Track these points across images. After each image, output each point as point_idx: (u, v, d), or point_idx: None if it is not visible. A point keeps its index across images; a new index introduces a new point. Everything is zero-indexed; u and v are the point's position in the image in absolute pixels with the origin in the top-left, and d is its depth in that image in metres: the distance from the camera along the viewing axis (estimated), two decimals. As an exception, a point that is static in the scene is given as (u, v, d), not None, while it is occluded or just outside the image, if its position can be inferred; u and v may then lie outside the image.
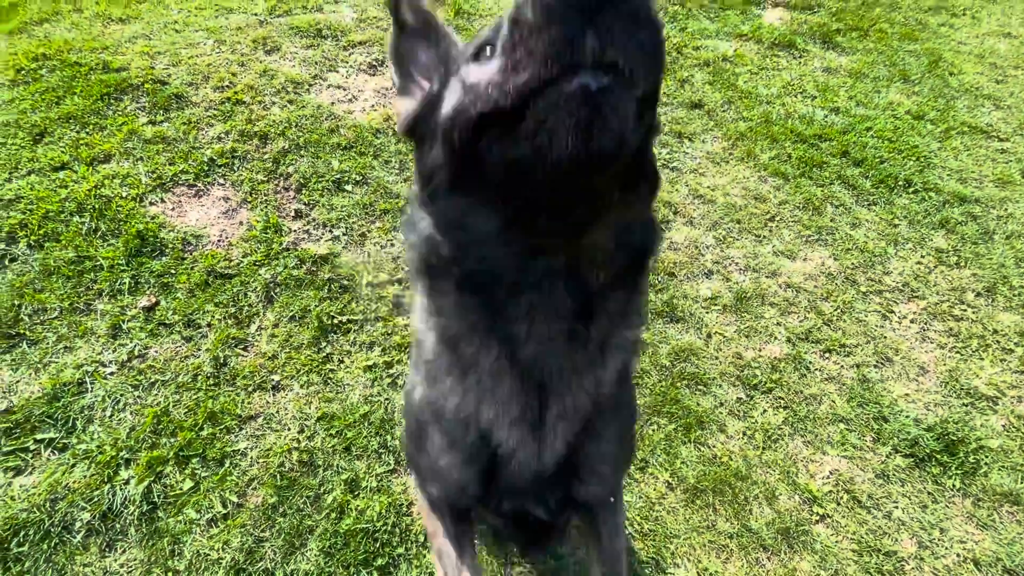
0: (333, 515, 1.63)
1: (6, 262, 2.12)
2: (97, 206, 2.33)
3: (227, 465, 1.70)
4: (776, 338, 2.31)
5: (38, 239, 2.19)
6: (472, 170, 0.63)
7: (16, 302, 1.99)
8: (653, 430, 1.93)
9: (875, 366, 2.24)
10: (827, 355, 2.27)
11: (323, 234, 2.46)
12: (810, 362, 2.22)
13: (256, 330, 2.07)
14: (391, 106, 3.16)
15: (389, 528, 1.62)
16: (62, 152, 2.52)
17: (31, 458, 1.67)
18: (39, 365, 1.87)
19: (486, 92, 0.55)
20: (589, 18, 0.47)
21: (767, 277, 2.57)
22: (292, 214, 2.51)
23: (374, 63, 3.45)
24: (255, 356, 1.99)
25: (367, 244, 2.45)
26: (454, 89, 0.68)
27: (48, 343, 1.92)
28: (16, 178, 2.39)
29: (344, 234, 2.47)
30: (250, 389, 1.89)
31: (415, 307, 0.87)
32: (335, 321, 2.13)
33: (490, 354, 0.77)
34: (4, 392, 1.78)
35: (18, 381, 1.82)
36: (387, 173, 2.76)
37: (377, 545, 1.59)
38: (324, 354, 2.03)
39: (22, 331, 1.94)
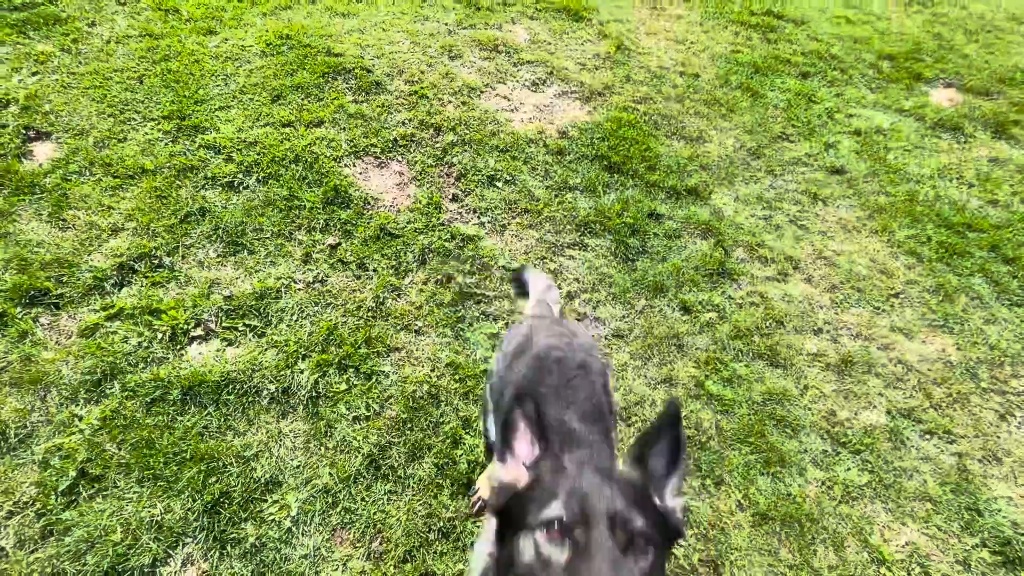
0: (448, 441, 1.97)
1: (240, 188, 2.74)
2: (308, 159, 2.91)
3: (373, 380, 2.11)
4: (875, 407, 2.33)
5: (265, 176, 2.79)
6: None
7: (244, 220, 2.58)
8: (735, 455, 2.07)
9: (980, 460, 2.19)
10: (928, 436, 2.25)
11: (472, 218, 2.86)
12: (908, 438, 2.23)
13: (409, 283, 2.49)
14: (544, 121, 3.54)
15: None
16: (289, 113, 3.17)
17: (240, 336, 2.18)
18: (253, 270, 2.41)
19: None
20: None
21: (879, 349, 2.58)
22: (450, 197, 2.95)
23: (537, 81, 3.87)
24: (406, 303, 2.41)
25: (506, 233, 2.81)
26: (528, 545, 0.93)
27: (260, 255, 2.47)
28: (256, 127, 3.05)
29: (489, 222, 2.85)
30: (398, 327, 2.30)
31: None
32: (471, 291, 2.50)
33: None
34: (228, 284, 2.34)
35: (238, 277, 2.37)
36: (533, 178, 3.12)
37: (476, 475, 1.89)
38: (459, 315, 2.40)
39: (245, 242, 2.51)
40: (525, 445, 1.12)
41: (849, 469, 2.09)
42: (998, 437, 2.28)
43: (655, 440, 1.07)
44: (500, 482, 1.11)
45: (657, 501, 1.03)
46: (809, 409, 2.28)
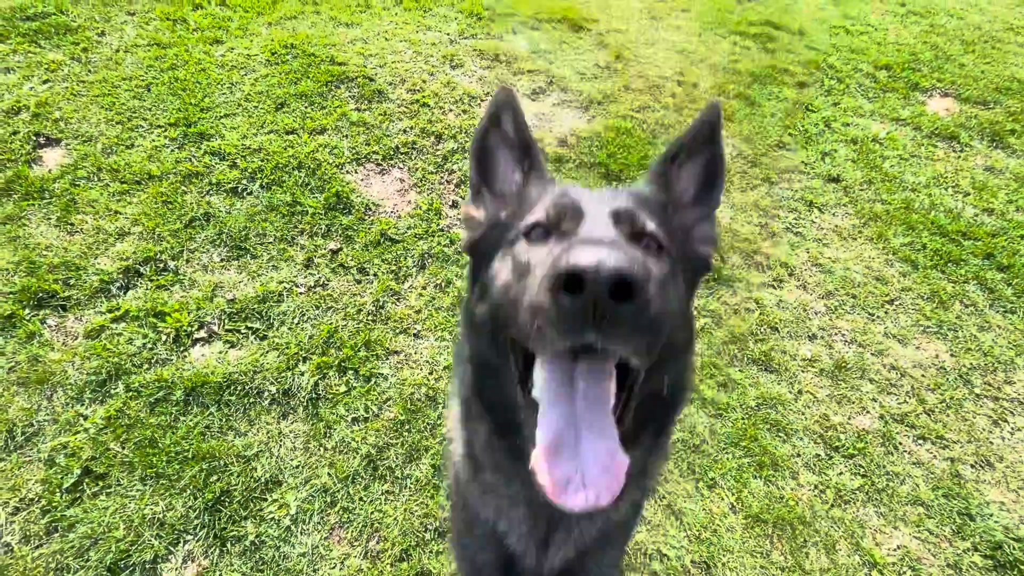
0: (445, 443, 2.00)
1: (244, 194, 2.79)
2: (311, 166, 2.97)
3: (372, 382, 2.15)
4: (868, 412, 2.36)
5: (268, 182, 2.85)
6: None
7: (247, 225, 2.63)
8: (728, 458, 2.10)
9: (972, 466, 2.21)
10: (921, 441, 2.27)
11: (471, 224, 2.91)
12: (900, 443, 2.25)
13: (408, 287, 2.53)
14: (544, 130, 3.60)
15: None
16: (293, 120, 3.23)
17: (242, 338, 2.22)
18: (255, 273, 2.46)
19: (521, 316, 0.63)
20: (594, 324, 0.54)
21: (872, 355, 2.60)
22: (450, 203, 3.00)
23: (537, 90, 3.93)
24: (405, 307, 2.45)
25: (505, 240, 2.86)
26: (505, 262, 0.75)
27: (263, 260, 2.52)
28: (260, 134, 3.11)
29: (488, 227, 2.90)
30: (397, 331, 2.34)
31: (452, 415, 1.01)
32: (453, 377, 2.54)
33: (509, 486, 0.87)
34: (232, 287, 2.39)
35: (241, 281, 2.42)
36: (532, 185, 3.17)
37: (473, 477, 1.93)
38: (456, 319, 2.43)
39: (248, 247, 2.56)
40: (508, 171, 0.93)
41: (842, 473, 2.12)
42: (991, 442, 2.30)
43: (686, 156, 0.85)
44: (473, 218, 0.93)
45: (677, 225, 0.83)
46: (802, 414, 2.31)
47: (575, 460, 0.61)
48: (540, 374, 0.67)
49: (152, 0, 3.93)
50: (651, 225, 0.72)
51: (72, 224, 2.48)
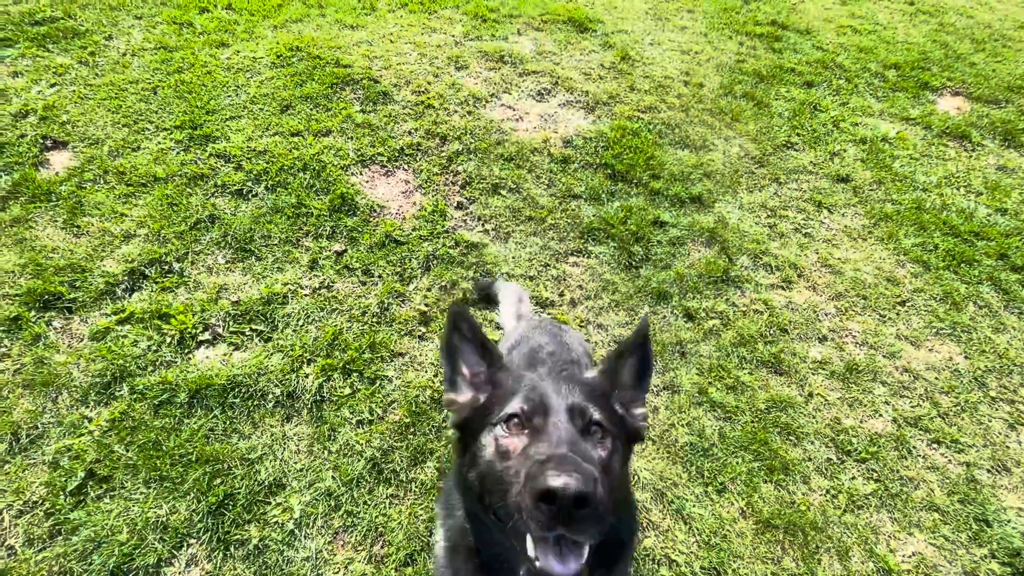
0: (450, 446, 1.97)
1: (249, 196, 2.79)
2: (316, 168, 2.96)
3: (377, 384, 2.13)
4: (881, 415, 2.31)
5: (273, 184, 2.85)
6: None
7: (252, 226, 2.62)
8: (737, 462, 2.06)
9: (989, 471, 2.16)
10: (935, 445, 2.23)
11: (477, 226, 2.89)
12: (914, 447, 2.20)
13: (413, 289, 2.52)
14: (549, 131, 3.58)
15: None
16: (298, 122, 3.23)
17: (247, 340, 2.21)
18: (260, 275, 2.45)
19: (507, 499, 0.87)
20: (563, 522, 0.80)
21: (884, 357, 2.56)
22: (455, 204, 2.98)
23: (542, 91, 3.92)
24: (410, 309, 2.43)
25: (510, 241, 2.83)
26: (489, 440, 0.97)
27: (268, 261, 2.52)
28: (265, 136, 3.11)
29: (493, 229, 2.88)
30: (402, 333, 2.33)
31: (438, 546, 1.17)
32: (475, 296, 2.52)
33: None
34: (236, 289, 2.38)
35: (246, 283, 2.41)
36: (537, 187, 3.15)
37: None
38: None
39: (252, 248, 2.55)
40: (474, 361, 1.16)
41: (854, 478, 2.07)
42: (1007, 447, 2.25)
43: (628, 354, 1.14)
44: (455, 402, 1.14)
45: (618, 407, 1.09)
46: (813, 417, 2.27)
47: None
48: (530, 543, 0.89)
49: (159, 4, 3.95)
50: (597, 415, 0.98)
51: (78, 226, 2.48)
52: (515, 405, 0.98)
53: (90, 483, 1.78)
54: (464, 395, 1.15)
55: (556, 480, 0.78)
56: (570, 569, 0.85)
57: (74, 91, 3.12)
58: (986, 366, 2.55)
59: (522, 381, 1.05)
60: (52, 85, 3.13)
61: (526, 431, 0.95)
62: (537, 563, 0.86)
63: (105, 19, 3.68)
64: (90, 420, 1.91)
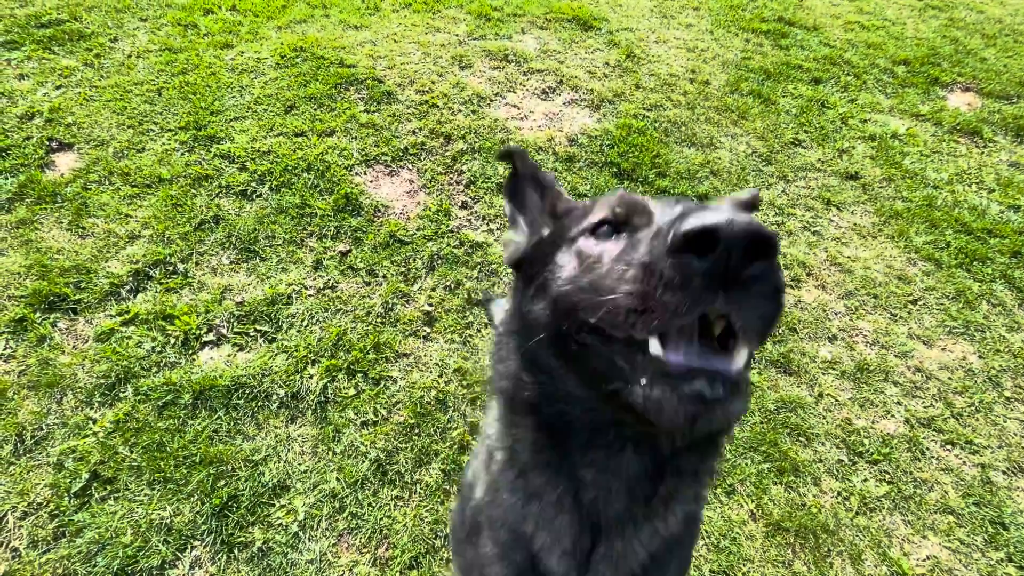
0: (455, 447, 1.96)
1: (254, 197, 2.78)
2: (320, 168, 2.95)
3: (382, 385, 2.11)
4: (893, 416, 2.27)
5: (277, 184, 2.84)
6: (574, 350, 0.66)
7: (256, 227, 2.62)
8: (747, 463, 2.03)
9: (1005, 472, 2.12)
10: (949, 447, 2.18)
11: (481, 225, 2.87)
12: (928, 448, 2.16)
13: (418, 289, 2.50)
14: (554, 129, 3.56)
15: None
16: (302, 123, 3.22)
17: (251, 341, 2.21)
18: (264, 276, 2.44)
19: (611, 298, 0.58)
20: (724, 289, 0.51)
21: (896, 356, 2.51)
22: (460, 204, 2.96)
23: (547, 90, 3.89)
24: (414, 309, 2.41)
25: (515, 240, 2.81)
26: (569, 257, 0.72)
27: (272, 262, 2.51)
28: (270, 136, 3.11)
29: (498, 228, 2.86)
30: (407, 333, 2.31)
31: (491, 415, 0.94)
32: (479, 297, 2.50)
33: (555, 490, 0.80)
34: (240, 290, 2.37)
35: (250, 284, 2.40)
36: (542, 185, 3.13)
37: (484, 483, 1.88)
38: (467, 321, 2.40)
39: (257, 249, 2.54)
40: (536, 201, 0.98)
41: (866, 479, 2.04)
42: (1023, 448, 2.20)
43: None
44: (513, 241, 0.97)
45: None
46: (824, 418, 2.23)
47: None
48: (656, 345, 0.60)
49: (164, 6, 3.96)
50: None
51: (83, 228, 2.48)
52: (602, 211, 0.72)
53: (94, 485, 1.77)
54: (523, 234, 0.97)
55: (714, 215, 0.49)
56: (735, 363, 0.55)
57: (79, 93, 3.12)
58: (1001, 365, 2.50)
59: (598, 198, 0.80)
60: (58, 87, 3.14)
61: (621, 235, 0.68)
62: (671, 359, 0.54)
63: (110, 21, 3.69)
64: (95, 421, 1.91)
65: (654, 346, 0.56)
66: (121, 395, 1.98)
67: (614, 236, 0.69)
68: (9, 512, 1.70)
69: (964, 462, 2.14)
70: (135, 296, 2.29)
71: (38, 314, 2.16)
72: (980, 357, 2.54)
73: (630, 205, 0.70)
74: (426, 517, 1.80)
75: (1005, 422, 2.30)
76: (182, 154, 2.90)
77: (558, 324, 0.69)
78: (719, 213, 0.49)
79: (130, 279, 2.32)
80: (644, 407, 0.56)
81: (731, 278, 0.50)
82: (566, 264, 0.71)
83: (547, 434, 0.78)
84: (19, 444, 1.84)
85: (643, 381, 0.56)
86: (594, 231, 0.71)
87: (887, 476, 2.06)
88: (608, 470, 0.74)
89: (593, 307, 0.61)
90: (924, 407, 2.32)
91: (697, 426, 0.54)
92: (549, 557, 0.85)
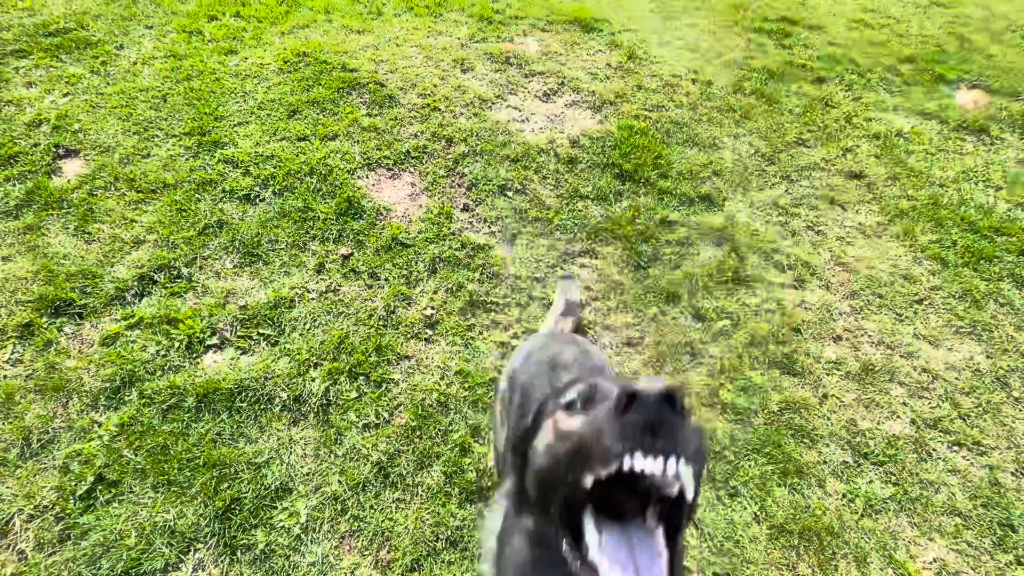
0: (457, 449, 1.96)
1: (257, 201, 2.80)
2: (323, 172, 2.97)
3: (383, 388, 2.12)
4: (899, 417, 2.25)
5: (280, 188, 2.86)
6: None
7: (259, 231, 2.63)
8: (750, 465, 2.02)
9: (1013, 474, 2.09)
10: (956, 448, 2.16)
11: (483, 228, 2.88)
12: (934, 449, 2.14)
13: (420, 292, 2.50)
14: (555, 131, 3.56)
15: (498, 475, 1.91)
16: (305, 127, 3.24)
17: (253, 344, 2.22)
18: (267, 280, 2.46)
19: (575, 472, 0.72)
20: (654, 453, 0.65)
21: (902, 357, 2.49)
22: (461, 207, 2.97)
23: (548, 92, 3.90)
24: (416, 312, 2.42)
25: (517, 242, 2.81)
26: (544, 437, 0.84)
27: (275, 266, 2.52)
28: (273, 141, 3.13)
29: (500, 231, 2.86)
30: (408, 336, 2.31)
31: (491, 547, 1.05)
32: (481, 299, 2.50)
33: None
34: (244, 293, 2.39)
35: (253, 287, 2.42)
36: (543, 188, 3.13)
37: (489, 483, 1.88)
38: (468, 323, 2.40)
39: (260, 253, 2.56)
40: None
41: (872, 481, 2.02)
42: (1032, 449, 2.17)
43: None
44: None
45: None
46: (828, 419, 2.21)
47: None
48: (593, 537, 0.74)
49: (169, 14, 4.00)
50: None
51: (89, 233, 2.51)
52: (570, 395, 0.88)
53: (99, 487, 1.79)
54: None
55: (639, 383, 0.66)
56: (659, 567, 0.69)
57: (86, 100, 3.16)
58: (1009, 365, 2.47)
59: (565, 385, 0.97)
60: (65, 95, 3.18)
61: (586, 413, 0.82)
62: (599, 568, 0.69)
63: (117, 29, 3.74)
64: (100, 425, 1.93)
65: (591, 542, 0.72)
66: (126, 398, 2.00)
67: (582, 412, 0.82)
68: (16, 515, 1.72)
69: (971, 463, 2.11)
70: (140, 300, 2.31)
71: (44, 319, 2.19)
72: (988, 357, 2.51)
73: (589, 390, 0.86)
74: (427, 520, 1.81)
75: (1013, 423, 2.27)
76: (186, 159, 2.93)
77: (543, 503, 0.82)
78: (643, 381, 0.67)
79: (135, 284, 2.34)
80: None
81: (654, 426, 0.65)
82: (541, 443, 0.84)
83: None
84: (26, 447, 1.86)
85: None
86: (569, 406, 0.86)
87: (893, 478, 2.03)
88: None
89: (561, 479, 0.76)
90: (930, 408, 2.29)
91: None
92: None
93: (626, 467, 0.65)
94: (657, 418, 0.65)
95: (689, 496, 0.71)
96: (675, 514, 0.75)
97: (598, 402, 0.81)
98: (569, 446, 0.75)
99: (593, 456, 0.68)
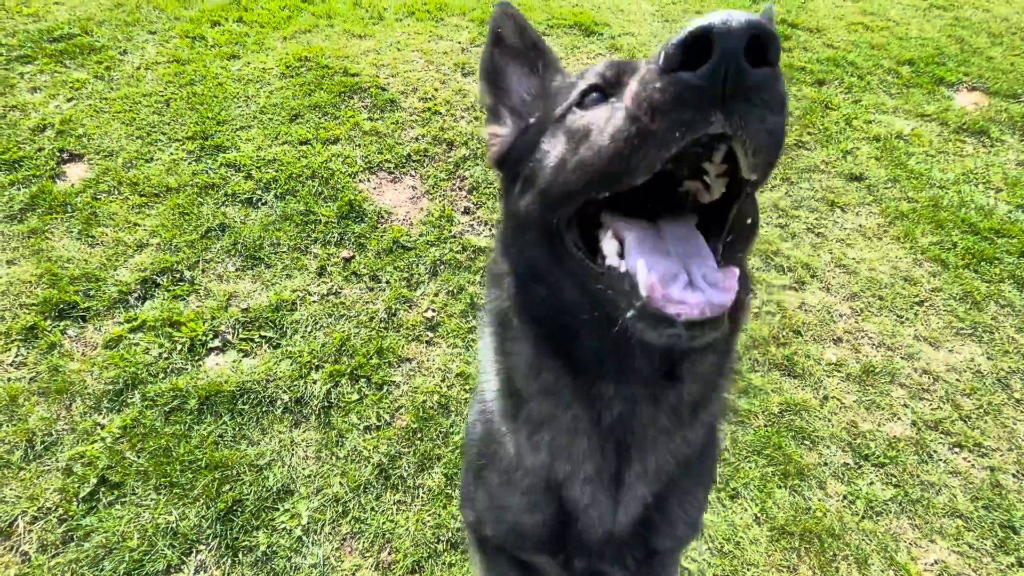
0: (457, 452, 1.96)
1: (259, 204, 2.82)
2: (324, 175, 2.99)
3: (385, 390, 2.13)
4: (900, 419, 2.25)
5: (282, 192, 2.87)
6: (567, 259, 0.62)
7: (262, 234, 2.65)
8: (751, 467, 2.02)
9: (1014, 475, 2.09)
10: (957, 449, 2.16)
11: (483, 230, 2.89)
12: (935, 451, 2.14)
13: (421, 294, 2.52)
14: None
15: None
16: (307, 131, 3.26)
17: (255, 347, 2.23)
18: (269, 283, 2.47)
19: (600, 160, 0.53)
20: (721, 104, 0.45)
21: (902, 358, 2.49)
22: (462, 210, 2.98)
23: (549, 95, 3.91)
24: (417, 314, 2.43)
25: (518, 245, 2.83)
26: (555, 139, 0.65)
27: (277, 269, 2.54)
28: (275, 145, 3.15)
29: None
30: (410, 338, 2.32)
31: (483, 345, 0.87)
32: (482, 302, 2.51)
33: (567, 413, 0.74)
34: (246, 296, 2.40)
35: (255, 290, 2.43)
36: (545, 190, 3.15)
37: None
38: (469, 326, 2.41)
39: (262, 256, 2.57)
40: (523, 82, 0.86)
41: (872, 483, 2.02)
42: (1033, 451, 2.17)
43: None
44: (497, 135, 0.85)
45: None
46: (829, 420, 2.21)
47: (679, 264, 0.52)
48: (611, 244, 0.58)
49: (172, 19, 4.03)
50: None
51: (93, 237, 2.53)
52: (590, 78, 0.65)
53: (102, 489, 1.80)
54: (507, 126, 0.84)
55: (706, 17, 0.43)
56: (720, 296, 0.50)
57: (90, 105, 3.19)
58: (1010, 367, 2.47)
59: (586, 70, 0.71)
60: (69, 99, 3.21)
61: (612, 99, 0.60)
62: (654, 296, 0.49)
63: (120, 35, 3.77)
64: (103, 427, 1.94)
65: (640, 277, 0.52)
66: (129, 401, 2.01)
67: (604, 101, 0.61)
68: (19, 517, 1.73)
69: (973, 465, 2.11)
70: (143, 303, 2.32)
71: (48, 322, 2.20)
72: (988, 358, 2.51)
73: (620, 65, 0.63)
74: (428, 521, 1.81)
75: (1015, 424, 2.26)
76: (189, 163, 2.95)
77: (548, 219, 0.63)
78: (712, 14, 0.42)
79: (138, 287, 2.36)
80: (632, 334, 0.54)
81: (730, 93, 0.44)
82: (552, 148, 0.65)
83: (550, 355, 0.71)
84: (29, 450, 1.87)
85: (629, 315, 0.53)
86: (581, 102, 0.64)
87: (894, 479, 2.03)
88: (624, 379, 0.68)
89: (575, 183, 0.57)
90: (931, 409, 2.29)
91: (691, 346, 0.52)
92: (571, 487, 0.78)
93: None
94: (736, 73, 0.42)
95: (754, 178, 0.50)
96: (723, 212, 0.58)
97: (627, 84, 0.56)
98: (590, 152, 0.54)
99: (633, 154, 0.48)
